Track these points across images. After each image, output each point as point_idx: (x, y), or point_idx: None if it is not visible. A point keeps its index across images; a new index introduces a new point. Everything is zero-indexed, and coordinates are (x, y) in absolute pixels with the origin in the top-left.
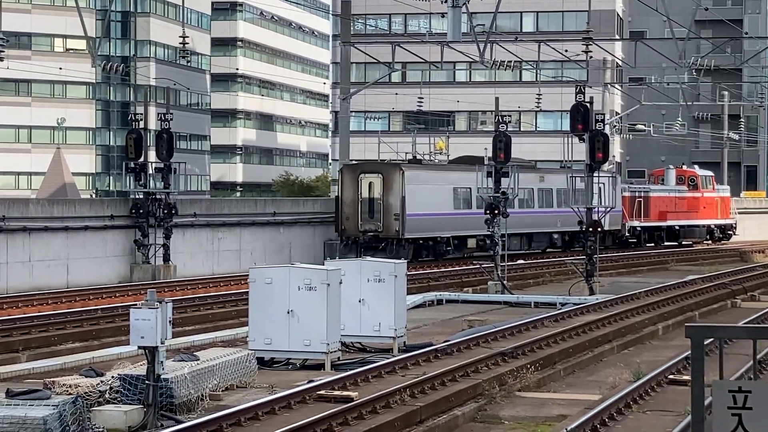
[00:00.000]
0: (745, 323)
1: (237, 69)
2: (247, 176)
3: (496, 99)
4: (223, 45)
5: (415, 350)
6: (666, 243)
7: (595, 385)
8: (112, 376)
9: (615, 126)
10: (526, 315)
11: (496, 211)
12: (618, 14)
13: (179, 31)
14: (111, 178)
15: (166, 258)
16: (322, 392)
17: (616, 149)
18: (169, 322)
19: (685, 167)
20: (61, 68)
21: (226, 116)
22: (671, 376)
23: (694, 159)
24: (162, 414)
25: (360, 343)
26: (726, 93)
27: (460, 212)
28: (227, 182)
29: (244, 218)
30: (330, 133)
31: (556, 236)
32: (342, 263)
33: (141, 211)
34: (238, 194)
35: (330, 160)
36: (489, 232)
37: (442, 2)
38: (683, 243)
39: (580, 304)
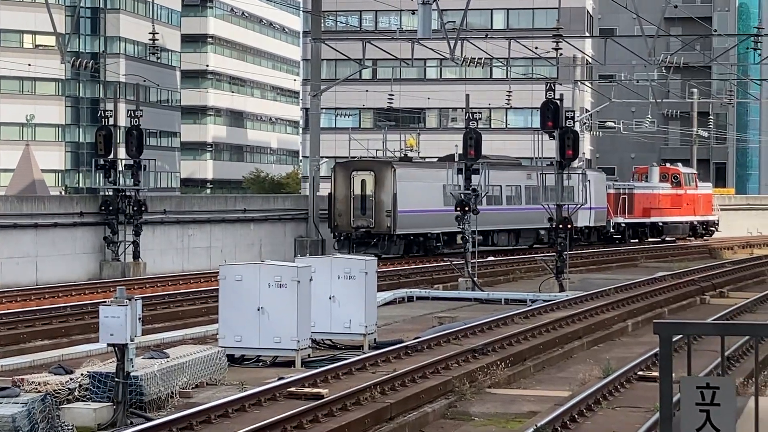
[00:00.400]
0: (713, 320)
1: (207, 65)
2: (217, 173)
3: (467, 96)
4: (194, 41)
5: (385, 347)
6: (649, 239)
7: (564, 381)
8: (82, 374)
9: (585, 123)
10: (496, 312)
11: (467, 208)
12: (588, 12)
13: (149, 27)
14: (80, 175)
15: (136, 255)
16: (293, 389)
17: (586, 146)
18: (139, 319)
19: (668, 165)
20: (30, 65)
21: (197, 113)
22: (640, 373)
23: (664, 156)
24: (131, 412)
25: (330, 340)
26: (695, 90)
27: (450, 209)
28: (197, 179)
29: (214, 215)
30: (300, 130)
31: (542, 232)
32: (312, 260)
33: (111, 208)
34: (209, 191)
35: (300, 157)
36: (459, 229)
37: None
38: (666, 239)
39: (550, 300)
